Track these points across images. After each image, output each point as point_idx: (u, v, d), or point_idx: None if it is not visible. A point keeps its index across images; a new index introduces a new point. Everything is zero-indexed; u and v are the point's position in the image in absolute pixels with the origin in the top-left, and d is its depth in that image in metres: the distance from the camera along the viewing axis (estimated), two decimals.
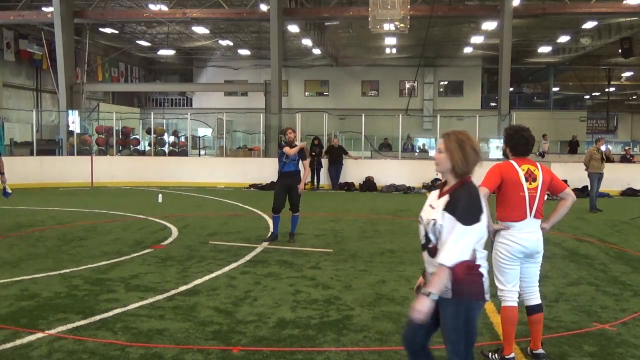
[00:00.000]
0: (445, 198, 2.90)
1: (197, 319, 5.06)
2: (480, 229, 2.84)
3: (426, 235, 2.97)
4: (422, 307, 2.78)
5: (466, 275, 2.82)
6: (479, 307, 2.94)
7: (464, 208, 2.81)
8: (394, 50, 33.70)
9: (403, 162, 20.38)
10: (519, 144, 4.20)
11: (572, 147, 25.49)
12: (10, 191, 9.26)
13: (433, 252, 2.91)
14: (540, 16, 22.89)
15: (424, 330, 3.04)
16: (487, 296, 2.94)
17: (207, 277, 6.57)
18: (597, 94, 45.67)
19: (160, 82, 39.10)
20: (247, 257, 7.71)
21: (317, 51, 32.33)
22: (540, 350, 4.23)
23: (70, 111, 22.92)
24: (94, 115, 25.25)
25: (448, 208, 2.84)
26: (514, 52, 24.68)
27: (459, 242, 2.76)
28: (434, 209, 2.95)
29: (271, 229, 9.31)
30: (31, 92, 28.56)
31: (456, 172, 2.94)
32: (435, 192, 3.05)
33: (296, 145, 8.94)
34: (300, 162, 9.01)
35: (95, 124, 23.72)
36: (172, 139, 23.64)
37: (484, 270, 2.93)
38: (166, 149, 22.42)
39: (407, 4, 18.52)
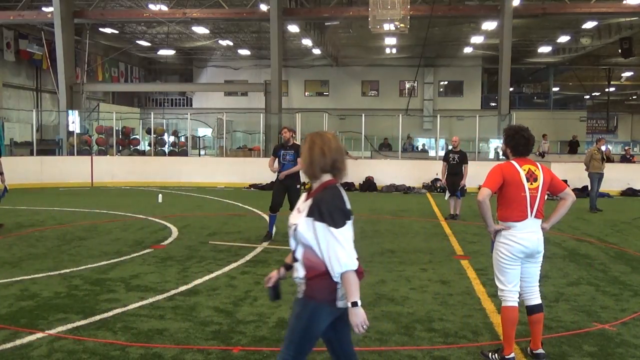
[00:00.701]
0: (309, 202, 2.81)
1: (197, 319, 5.06)
2: (350, 229, 2.77)
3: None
4: (359, 319, 2.73)
5: (318, 279, 2.74)
6: (327, 314, 2.80)
7: (328, 211, 2.71)
8: (394, 50, 33.69)
9: (403, 162, 20.38)
10: (519, 144, 4.20)
11: (572, 147, 25.49)
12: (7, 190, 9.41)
13: (295, 258, 2.85)
14: (540, 16, 22.89)
15: (331, 344, 2.97)
16: (340, 303, 2.79)
17: (207, 277, 6.57)
18: (597, 94, 45.67)
19: (160, 82, 39.10)
20: (247, 257, 7.71)
21: (317, 51, 32.33)
22: (540, 350, 4.23)
23: (70, 111, 22.92)
24: (94, 115, 25.25)
25: (314, 215, 2.73)
26: (514, 52, 24.68)
27: (341, 246, 2.67)
28: (300, 213, 2.85)
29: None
30: (31, 92, 28.56)
31: (307, 174, 2.88)
32: (304, 195, 2.96)
33: (290, 145, 8.89)
34: (295, 161, 8.92)
35: (95, 124, 23.73)
36: (172, 139, 23.65)
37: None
38: (166, 149, 22.43)
39: (407, 4, 18.52)
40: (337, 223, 2.70)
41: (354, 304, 2.72)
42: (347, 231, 2.74)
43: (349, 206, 2.83)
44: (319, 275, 2.76)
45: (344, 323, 2.83)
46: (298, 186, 8.96)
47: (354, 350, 3.07)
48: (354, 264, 2.71)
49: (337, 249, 2.68)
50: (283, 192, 8.86)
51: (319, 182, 2.86)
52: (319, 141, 2.87)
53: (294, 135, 9.41)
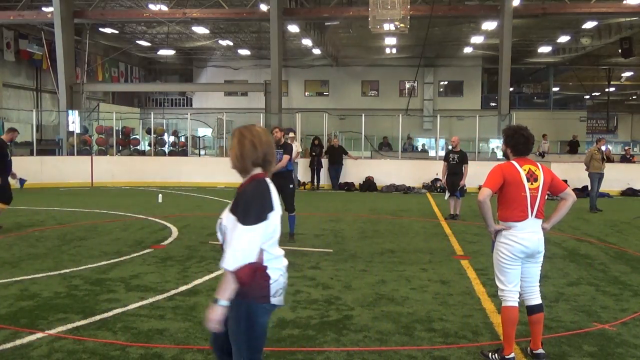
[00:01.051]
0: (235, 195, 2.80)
1: (197, 319, 5.05)
2: (265, 229, 2.68)
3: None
4: (214, 316, 2.67)
5: (250, 277, 2.69)
6: (264, 311, 2.78)
7: (244, 207, 2.67)
8: (394, 50, 33.69)
9: (403, 162, 20.37)
10: (519, 142, 4.21)
11: (572, 147, 25.47)
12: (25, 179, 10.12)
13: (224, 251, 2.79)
14: (540, 16, 22.88)
15: (225, 336, 2.88)
16: (275, 300, 2.78)
17: (207, 277, 6.57)
18: (597, 94, 45.67)
19: (160, 82, 39.09)
20: None
21: (317, 51, 32.32)
22: (541, 350, 4.23)
23: (70, 111, 22.92)
24: (94, 115, 25.24)
25: (232, 207, 2.71)
26: (514, 52, 24.67)
27: (241, 244, 2.61)
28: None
29: None
30: (31, 92, 28.56)
31: (238, 168, 2.84)
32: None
33: (282, 144, 8.85)
34: (291, 161, 8.88)
35: (95, 124, 23.72)
36: (172, 139, 23.64)
37: (273, 272, 2.77)
38: (166, 149, 22.42)
39: (407, 4, 18.51)
40: (247, 220, 2.63)
41: (217, 301, 2.66)
42: (255, 231, 2.64)
43: (274, 203, 2.77)
44: (249, 272, 2.69)
45: None
46: (291, 186, 8.97)
47: None
48: (237, 266, 2.61)
49: (237, 245, 2.62)
50: (277, 191, 8.81)
51: (249, 175, 2.83)
52: (248, 135, 2.83)
53: (285, 135, 9.35)
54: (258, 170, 2.84)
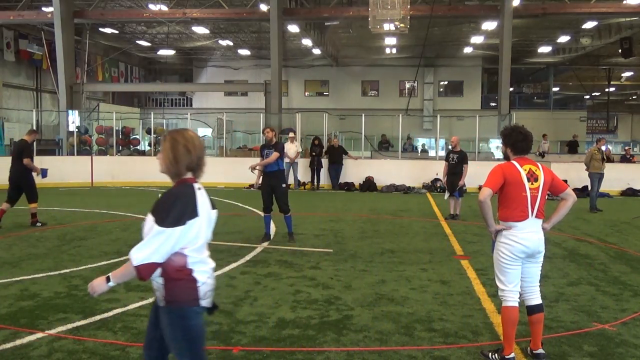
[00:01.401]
0: None
1: None
2: (184, 234, 2.66)
3: None
4: (98, 289, 2.72)
5: (175, 282, 2.70)
6: (195, 314, 2.76)
7: (162, 208, 2.66)
8: (394, 50, 33.68)
9: (403, 162, 20.37)
10: (517, 140, 4.20)
11: (570, 147, 25.42)
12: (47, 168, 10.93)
13: None
14: (540, 16, 22.89)
15: (157, 343, 2.88)
16: (205, 302, 2.78)
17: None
18: (597, 94, 45.65)
19: (160, 82, 39.06)
20: (247, 257, 7.71)
21: (317, 51, 32.31)
22: (541, 350, 4.23)
23: (70, 111, 22.91)
24: (94, 115, 25.24)
25: (153, 208, 2.70)
26: (514, 52, 24.68)
27: (152, 243, 2.61)
28: None
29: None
30: (31, 92, 28.55)
31: (171, 172, 2.82)
32: None
33: (273, 144, 8.83)
34: (278, 160, 8.84)
35: (95, 124, 23.71)
36: None
37: (199, 275, 2.76)
38: None
39: (407, 4, 18.50)
40: (163, 222, 2.62)
41: (108, 278, 2.71)
42: (168, 233, 2.62)
43: (200, 209, 2.74)
44: (176, 275, 2.70)
45: None
46: (284, 185, 8.99)
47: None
48: (140, 262, 2.60)
49: (148, 244, 2.61)
50: (270, 192, 8.88)
51: (175, 179, 2.82)
52: (181, 139, 2.81)
53: (286, 135, 9.38)
54: (189, 175, 2.84)
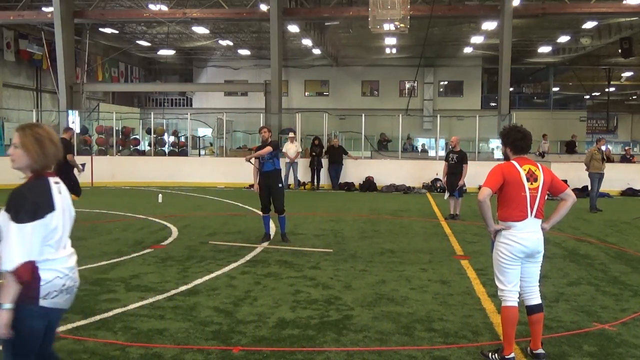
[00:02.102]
0: None
1: (197, 319, 5.06)
2: (41, 227, 2.58)
3: None
4: (1, 320, 2.53)
5: (31, 275, 2.58)
6: (31, 313, 2.61)
7: (17, 205, 2.56)
8: (394, 50, 33.68)
9: (403, 162, 20.36)
10: (516, 139, 4.21)
11: (569, 146, 25.37)
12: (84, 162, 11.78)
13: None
14: (540, 16, 22.87)
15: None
16: (47, 302, 2.65)
17: (207, 277, 6.57)
18: (597, 94, 45.66)
19: (160, 82, 39.07)
20: (247, 257, 7.71)
21: (317, 51, 32.31)
22: (540, 350, 4.23)
23: (70, 111, 22.90)
24: (94, 115, 25.24)
25: (6, 205, 2.58)
26: (514, 52, 24.66)
27: (16, 243, 2.51)
28: None
29: None
30: (31, 92, 28.56)
31: (34, 167, 2.71)
32: None
33: (268, 143, 8.83)
34: (274, 159, 8.85)
35: (95, 124, 23.71)
36: (172, 139, 23.64)
37: (46, 273, 2.64)
38: (166, 149, 22.41)
39: (407, 4, 18.49)
40: (19, 218, 2.53)
41: (1, 305, 2.54)
42: (28, 228, 2.54)
43: (56, 203, 2.68)
44: (29, 270, 2.59)
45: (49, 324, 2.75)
46: (280, 185, 8.98)
47: (54, 351, 2.99)
48: (16, 265, 2.51)
49: (11, 244, 2.52)
50: (267, 192, 8.88)
51: (32, 174, 2.73)
52: (44, 133, 2.74)
53: (289, 135, 9.36)
54: (49, 169, 2.77)
